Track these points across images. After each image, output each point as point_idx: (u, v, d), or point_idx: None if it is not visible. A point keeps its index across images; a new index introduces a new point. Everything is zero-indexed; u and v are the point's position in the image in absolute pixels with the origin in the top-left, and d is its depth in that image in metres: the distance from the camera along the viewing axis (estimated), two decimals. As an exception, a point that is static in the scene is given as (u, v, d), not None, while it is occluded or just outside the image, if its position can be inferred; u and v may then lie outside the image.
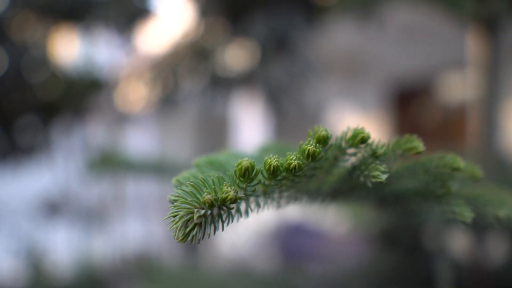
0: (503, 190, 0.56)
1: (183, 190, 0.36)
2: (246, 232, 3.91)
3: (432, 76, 4.97)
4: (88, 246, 3.13)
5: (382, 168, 0.41)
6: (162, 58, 3.17)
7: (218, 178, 0.38)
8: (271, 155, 0.39)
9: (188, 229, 0.34)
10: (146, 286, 1.65)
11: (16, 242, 3.17)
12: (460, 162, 0.45)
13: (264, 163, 0.38)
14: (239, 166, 0.37)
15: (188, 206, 0.35)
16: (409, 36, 4.31)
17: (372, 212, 1.18)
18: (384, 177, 0.40)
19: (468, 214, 0.44)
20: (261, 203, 0.46)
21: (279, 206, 0.51)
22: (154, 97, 3.09)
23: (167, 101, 3.06)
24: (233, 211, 0.39)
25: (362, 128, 0.42)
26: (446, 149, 0.65)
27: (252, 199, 0.44)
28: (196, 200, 0.35)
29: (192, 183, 0.37)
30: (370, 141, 0.43)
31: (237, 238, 3.95)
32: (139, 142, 5.12)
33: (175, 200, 0.36)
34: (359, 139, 0.42)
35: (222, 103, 3.14)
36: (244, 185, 0.38)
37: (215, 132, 6.39)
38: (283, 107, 2.83)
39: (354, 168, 0.46)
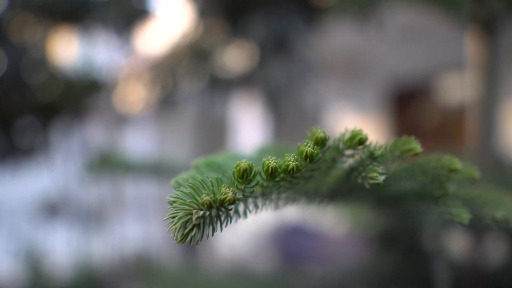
0: (500, 191, 0.57)
1: (182, 191, 0.37)
2: (245, 233, 3.91)
3: (431, 77, 4.98)
4: (87, 247, 3.13)
5: (380, 169, 0.41)
6: (161, 59, 3.17)
7: (216, 179, 0.38)
8: (269, 157, 0.39)
9: (187, 230, 0.34)
10: (145, 287, 1.66)
11: (15, 243, 3.17)
12: (458, 164, 0.45)
13: (262, 165, 0.39)
14: (238, 168, 0.38)
15: (187, 207, 0.35)
16: (408, 37, 4.31)
17: (370, 213, 1.18)
18: (381, 178, 0.40)
19: (465, 215, 0.44)
20: (260, 204, 0.46)
21: (277, 207, 0.51)
22: (153, 98, 3.09)
23: (166, 102, 3.06)
24: (231, 212, 0.39)
25: (360, 130, 0.43)
26: (444, 150, 0.65)
27: (250, 200, 0.45)
28: (195, 201, 0.35)
29: (190, 185, 0.37)
30: (367, 142, 0.43)
31: (236, 239, 3.95)
32: (138, 143, 5.13)
33: (174, 201, 0.36)
34: (356, 140, 0.42)
35: (221, 104, 3.14)
36: (242, 187, 0.38)
37: (214, 133, 6.39)
38: (282, 108, 2.83)
39: (352, 169, 0.46)
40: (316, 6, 2.71)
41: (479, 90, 1.08)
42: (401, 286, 1.16)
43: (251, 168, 0.38)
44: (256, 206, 0.46)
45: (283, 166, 0.38)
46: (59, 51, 2.91)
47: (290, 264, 3.28)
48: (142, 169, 1.16)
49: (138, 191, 4.54)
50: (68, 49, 3.06)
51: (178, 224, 0.34)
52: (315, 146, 0.40)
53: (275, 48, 2.66)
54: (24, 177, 3.19)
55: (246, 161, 0.38)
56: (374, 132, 5.19)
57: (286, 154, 0.39)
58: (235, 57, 2.88)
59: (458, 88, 4.72)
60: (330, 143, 0.43)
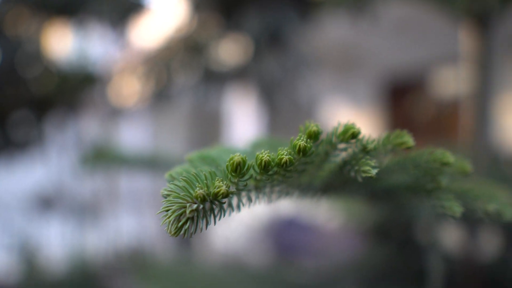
0: (493, 184, 0.57)
1: (175, 184, 0.37)
2: (239, 226, 3.92)
3: (426, 71, 4.98)
4: (82, 241, 3.13)
5: (372, 163, 0.42)
6: (156, 52, 3.16)
7: (210, 173, 0.38)
8: (262, 150, 0.39)
9: (180, 223, 0.34)
10: (139, 280, 1.66)
11: (9, 237, 3.16)
12: (450, 157, 0.45)
13: (256, 158, 0.39)
14: (231, 161, 0.38)
15: (180, 200, 0.35)
16: (402, 30, 4.31)
17: (364, 206, 1.19)
18: (374, 172, 0.40)
19: (457, 209, 0.45)
20: (253, 198, 0.46)
21: (270, 200, 0.51)
22: (148, 91, 3.08)
23: (160, 96, 3.06)
24: (225, 205, 0.39)
25: (353, 124, 0.43)
26: (438, 143, 0.65)
27: (244, 193, 0.45)
28: (189, 194, 0.36)
29: (184, 178, 0.37)
30: (360, 136, 0.43)
31: (230, 232, 3.96)
32: (133, 136, 5.12)
33: (168, 195, 0.36)
34: (349, 134, 0.42)
35: (215, 98, 3.14)
36: (236, 180, 0.39)
37: (209, 126, 6.38)
38: (277, 102, 2.83)
39: (345, 163, 0.46)
40: (310, 0, 2.71)
41: (473, 83, 1.08)
42: (395, 279, 1.16)
43: (244, 162, 0.38)
44: (250, 200, 0.46)
45: (276, 159, 0.38)
46: (53, 45, 2.90)
47: (284, 257, 3.28)
48: (136, 162, 1.16)
49: (133, 184, 4.54)
50: (62, 43, 3.05)
51: (172, 217, 0.34)
52: (308, 140, 0.40)
53: (270, 42, 2.66)
54: (18, 171, 3.19)
55: (239, 155, 0.38)
56: (369, 125, 5.19)
57: (279, 148, 0.39)
58: (229, 51, 2.88)
59: (452, 82, 4.72)
60: (323, 136, 0.44)
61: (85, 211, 3.34)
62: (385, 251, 1.30)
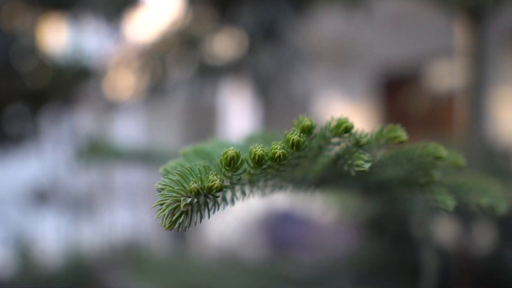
0: (486, 178, 0.57)
1: (170, 179, 0.37)
2: (234, 220, 3.92)
3: (420, 65, 4.99)
4: (77, 235, 3.13)
5: (366, 157, 0.42)
6: (151, 46, 3.16)
7: (204, 167, 0.38)
8: (256, 145, 0.39)
9: (175, 217, 0.35)
10: (134, 274, 1.66)
11: (4, 231, 3.16)
12: (443, 151, 0.45)
13: (250, 153, 0.39)
14: (225, 156, 0.38)
15: (175, 194, 0.35)
16: (397, 24, 4.31)
17: (358, 200, 1.19)
18: (367, 166, 0.41)
19: (450, 202, 0.45)
20: (247, 192, 0.47)
21: (264, 194, 0.51)
22: (143, 85, 3.08)
23: (155, 90, 3.05)
24: (219, 199, 0.39)
25: (346, 118, 0.43)
26: (433, 137, 0.65)
27: (237, 187, 0.45)
28: (183, 188, 0.36)
29: (179, 172, 0.37)
30: (353, 130, 0.43)
31: (226, 226, 3.96)
32: (128, 130, 5.12)
33: (162, 189, 0.36)
34: (342, 128, 0.43)
35: (210, 92, 3.14)
36: (229, 174, 0.39)
37: (204, 121, 6.38)
38: (272, 96, 2.83)
39: (338, 157, 0.46)
40: (305, -6, 2.71)
41: (468, 77, 1.08)
42: (390, 272, 1.17)
43: (238, 156, 0.38)
44: (244, 193, 0.46)
45: (270, 154, 0.39)
46: (48, 39, 2.90)
47: (279, 251, 3.29)
48: (131, 156, 1.16)
49: (128, 178, 4.54)
50: (57, 37, 3.05)
51: (166, 211, 0.35)
52: (302, 134, 0.40)
53: (265, 36, 2.66)
54: (13, 165, 3.19)
55: (233, 149, 0.38)
56: (364, 119, 5.20)
57: (273, 142, 0.39)
58: (224, 45, 2.88)
59: (447, 76, 4.73)
60: (316, 131, 0.44)
61: (80, 205, 3.34)
62: (379, 245, 1.30)
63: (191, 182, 0.36)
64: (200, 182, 0.36)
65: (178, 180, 0.37)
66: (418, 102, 5.01)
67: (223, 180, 0.37)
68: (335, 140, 0.45)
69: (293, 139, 0.39)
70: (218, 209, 0.40)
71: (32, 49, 2.63)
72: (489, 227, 1.11)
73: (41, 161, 3.25)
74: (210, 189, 0.36)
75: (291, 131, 0.40)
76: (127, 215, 4.30)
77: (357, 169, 0.41)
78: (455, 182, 0.52)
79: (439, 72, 4.83)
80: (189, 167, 0.38)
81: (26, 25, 2.64)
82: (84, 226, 3.28)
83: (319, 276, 1.26)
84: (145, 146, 1.18)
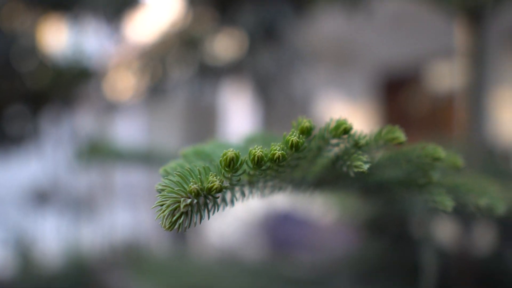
0: (485, 179, 0.57)
1: (170, 179, 0.37)
2: (234, 221, 3.92)
3: (420, 65, 4.98)
4: (77, 235, 3.13)
5: (364, 158, 0.42)
6: (151, 47, 3.16)
7: (204, 168, 0.38)
8: (256, 146, 0.39)
9: (175, 218, 0.35)
10: (134, 275, 1.66)
11: (5, 231, 3.16)
12: (441, 152, 0.46)
13: (249, 154, 0.39)
14: (225, 157, 0.38)
15: (175, 195, 0.36)
16: (397, 25, 4.31)
17: (358, 201, 1.19)
18: (366, 167, 0.41)
19: (449, 203, 0.45)
20: (247, 192, 0.47)
21: (264, 195, 0.51)
22: (143, 86, 3.08)
23: (155, 90, 3.05)
24: (218, 200, 0.39)
25: (345, 119, 0.43)
26: (433, 138, 0.66)
27: (237, 188, 0.45)
28: (183, 189, 0.36)
29: (179, 173, 0.38)
30: (352, 131, 0.44)
31: (226, 227, 3.96)
32: (128, 131, 5.12)
33: (163, 190, 0.37)
34: (341, 129, 0.43)
35: (210, 92, 3.14)
36: (229, 175, 0.39)
37: (204, 121, 6.38)
38: (272, 96, 2.83)
39: (337, 158, 0.46)
40: (305, -5, 2.71)
41: (468, 77, 1.08)
42: (389, 273, 1.17)
43: (237, 157, 0.38)
44: (243, 194, 0.46)
45: (269, 155, 0.39)
46: (49, 39, 2.90)
47: (279, 251, 3.29)
48: (131, 157, 1.16)
49: (128, 179, 4.54)
50: (58, 37, 3.05)
51: (166, 212, 0.35)
52: (301, 135, 0.41)
53: (265, 36, 2.66)
54: (14, 165, 3.19)
55: (232, 150, 0.38)
56: (364, 119, 5.20)
57: (272, 143, 0.40)
58: (224, 45, 2.88)
59: (447, 76, 4.73)
60: (316, 132, 0.44)
61: (81, 206, 3.34)
62: (379, 245, 1.30)
63: (191, 183, 0.36)
64: (200, 183, 0.36)
65: (178, 181, 0.37)
66: (418, 103, 5.01)
67: (222, 181, 0.37)
68: (334, 141, 0.45)
69: (292, 140, 0.39)
70: (218, 210, 0.40)
71: (32, 50, 2.63)
72: (489, 228, 1.11)
73: (41, 161, 3.25)
74: (210, 190, 0.36)
75: (290, 132, 0.40)
76: (127, 215, 4.30)
77: (356, 170, 0.42)
78: (454, 183, 0.52)
79: (439, 72, 4.83)
80: (189, 168, 0.38)
81: (26, 26, 2.64)
82: (84, 226, 3.28)
83: (319, 277, 1.26)
84: (145, 147, 1.18)
